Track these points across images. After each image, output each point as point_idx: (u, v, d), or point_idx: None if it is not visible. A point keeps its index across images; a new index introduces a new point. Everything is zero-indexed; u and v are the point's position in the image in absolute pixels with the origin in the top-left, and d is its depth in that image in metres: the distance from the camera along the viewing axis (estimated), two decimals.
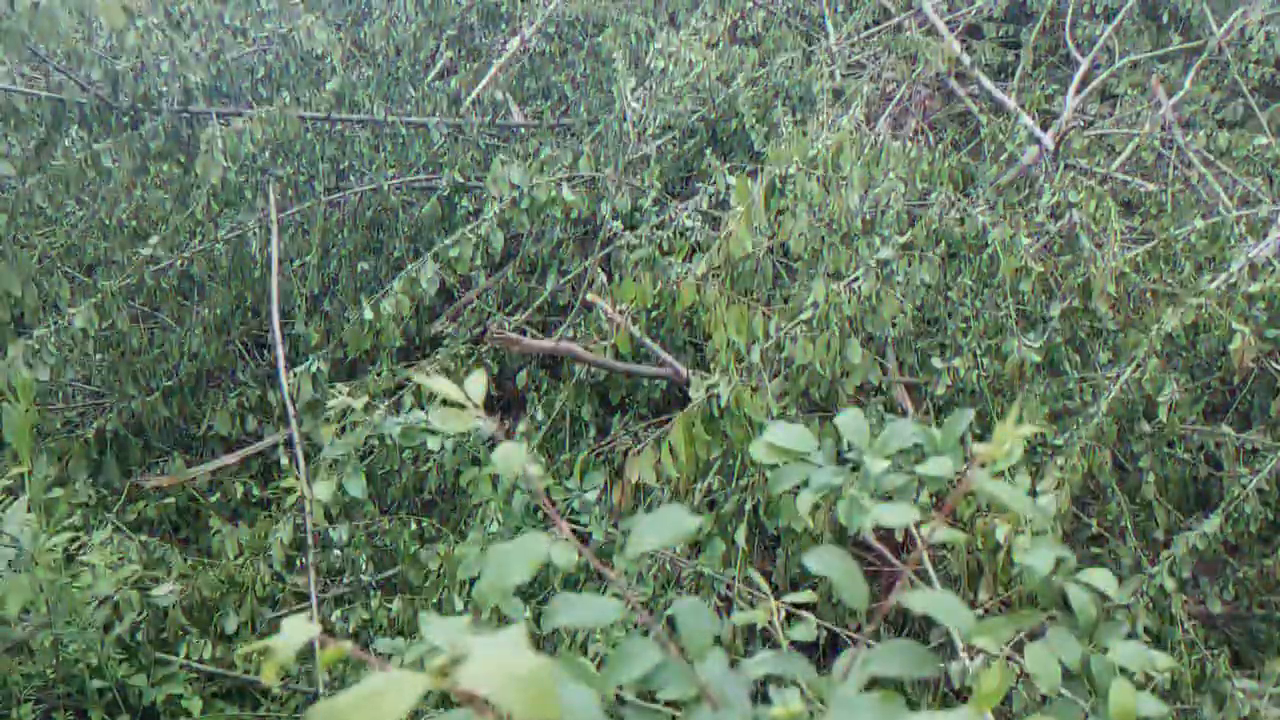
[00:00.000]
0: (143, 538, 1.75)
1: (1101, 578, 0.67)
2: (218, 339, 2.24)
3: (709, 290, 1.35)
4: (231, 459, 2.01)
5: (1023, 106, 2.04)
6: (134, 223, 2.23)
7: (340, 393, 1.28)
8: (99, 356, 2.22)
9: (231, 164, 1.88)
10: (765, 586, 0.78)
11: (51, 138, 2.02)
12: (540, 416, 1.76)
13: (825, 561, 0.51)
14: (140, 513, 1.95)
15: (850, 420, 0.66)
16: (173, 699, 1.46)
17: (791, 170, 1.44)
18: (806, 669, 0.48)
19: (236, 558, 1.62)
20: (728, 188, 1.66)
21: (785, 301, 1.49)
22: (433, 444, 1.12)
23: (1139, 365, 1.42)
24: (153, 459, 2.12)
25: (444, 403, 0.51)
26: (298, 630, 0.39)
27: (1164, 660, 0.66)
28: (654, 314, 1.61)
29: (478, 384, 0.51)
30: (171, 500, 1.99)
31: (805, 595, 0.68)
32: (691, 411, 1.25)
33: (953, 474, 0.62)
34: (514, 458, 0.50)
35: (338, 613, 1.52)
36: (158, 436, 2.16)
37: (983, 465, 0.54)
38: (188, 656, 1.48)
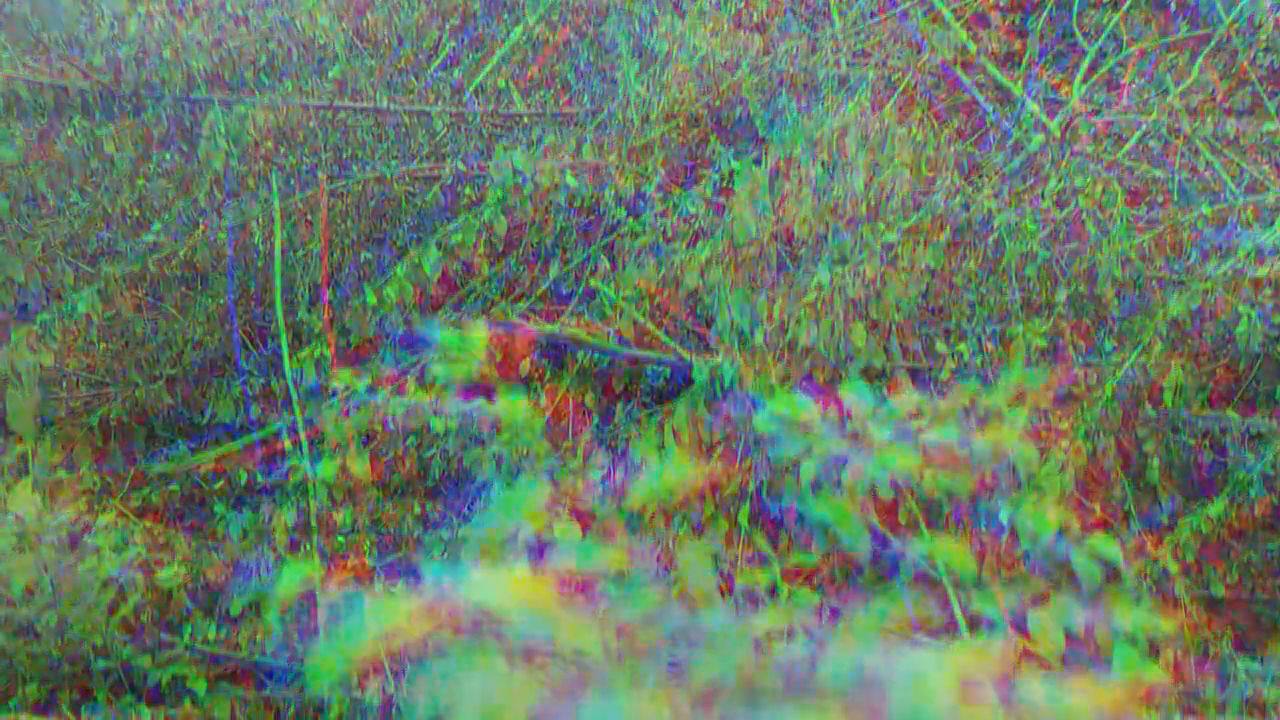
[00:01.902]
0: (147, 523, 1.75)
1: (1106, 545, 0.67)
2: (221, 328, 2.24)
3: (713, 273, 1.34)
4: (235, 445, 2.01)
5: (1029, 95, 2.03)
6: (137, 212, 2.23)
7: (344, 377, 1.28)
8: (103, 345, 2.22)
9: (234, 149, 1.88)
10: (769, 551, 0.78)
11: (54, 125, 2.02)
12: (543, 403, 1.76)
13: (828, 507, 0.51)
14: (145, 499, 1.96)
15: (854, 391, 0.66)
16: (178, 680, 1.47)
17: (796, 152, 1.43)
18: (807, 617, 0.48)
19: (241, 541, 1.62)
20: (731, 173, 1.65)
21: (790, 287, 1.49)
22: (436, 425, 1.12)
23: (1145, 350, 1.41)
24: (157, 447, 2.12)
25: (446, 352, 0.51)
26: (297, 570, 0.39)
27: (1169, 625, 0.65)
28: (657, 300, 1.61)
29: (479, 333, 0.51)
30: (176, 487, 2.00)
31: (808, 558, 0.68)
32: (695, 393, 1.24)
33: (954, 440, 0.62)
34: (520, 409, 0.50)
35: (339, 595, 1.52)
36: (162, 424, 2.16)
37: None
38: (192, 638, 1.48)
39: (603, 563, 0.45)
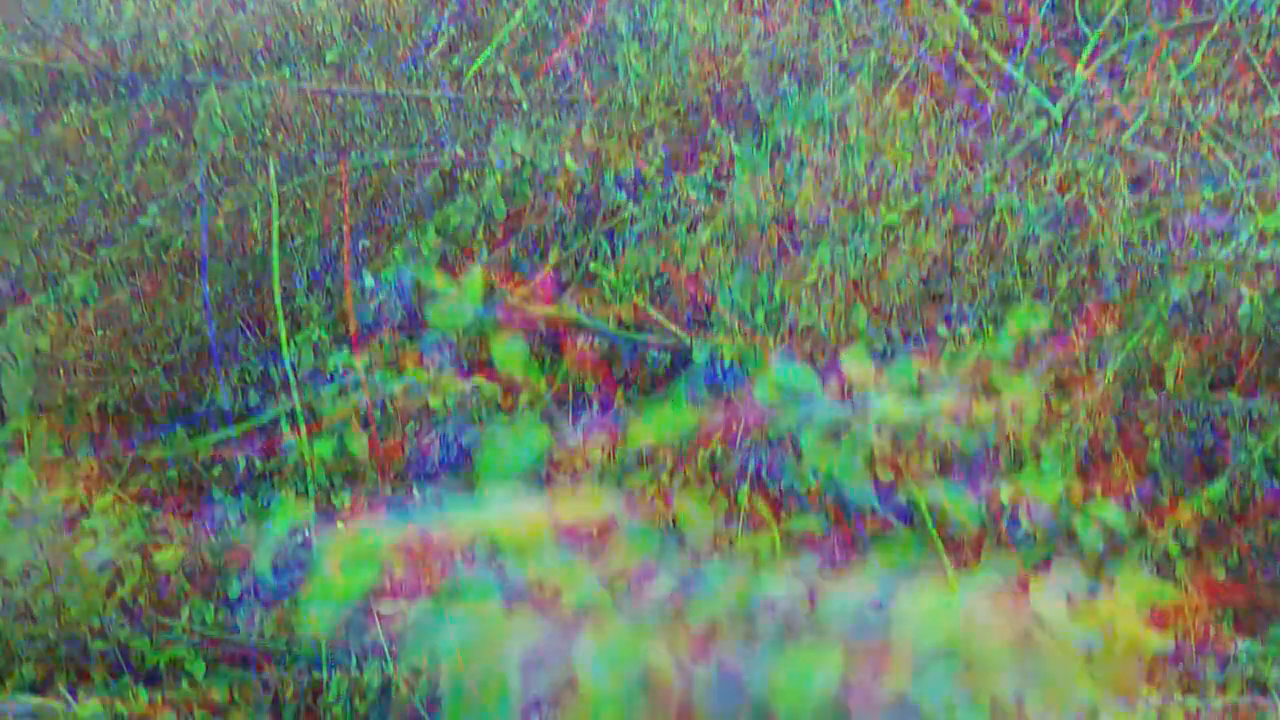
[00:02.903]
0: (145, 508, 1.75)
1: (1109, 512, 0.66)
2: (219, 315, 2.23)
3: (713, 254, 1.34)
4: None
5: (1031, 81, 2.02)
6: (133, 199, 2.21)
7: (341, 358, 1.27)
8: (100, 333, 2.21)
9: (230, 131, 1.86)
10: (768, 514, 0.77)
11: (49, 109, 2.00)
12: (543, 389, 1.75)
13: (830, 457, 0.51)
14: (143, 485, 1.95)
15: (854, 358, 0.66)
16: (176, 662, 1.46)
17: (798, 133, 1.43)
18: (808, 563, 0.47)
19: (239, 525, 1.61)
20: (732, 157, 1.64)
21: (791, 269, 1.48)
22: (434, 402, 1.11)
23: (1146, 333, 1.41)
24: (155, 433, 2.11)
25: (439, 295, 0.50)
26: (288, 509, 0.38)
27: (1172, 592, 0.65)
28: (657, 283, 1.60)
29: (474, 278, 0.51)
30: (174, 473, 1.99)
31: (810, 521, 0.68)
32: (695, 373, 1.24)
33: (955, 407, 0.61)
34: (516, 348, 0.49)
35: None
36: (160, 410, 2.15)
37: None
38: (190, 620, 1.48)
39: (600, 509, 0.45)
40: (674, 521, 0.47)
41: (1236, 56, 2.15)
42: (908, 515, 1.18)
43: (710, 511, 0.47)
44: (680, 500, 0.46)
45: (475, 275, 0.46)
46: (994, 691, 0.47)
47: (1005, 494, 1.10)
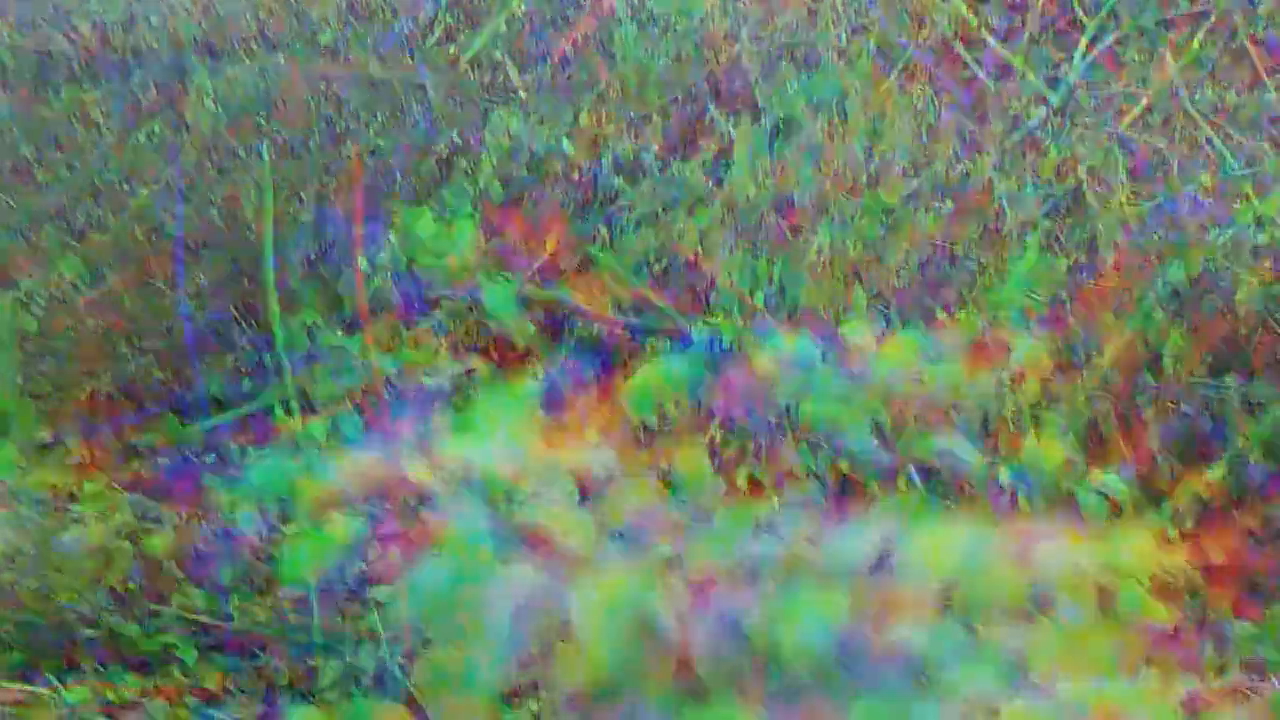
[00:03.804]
0: (137, 495, 1.72)
1: (1111, 481, 0.66)
2: (212, 302, 2.20)
3: (712, 236, 1.33)
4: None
5: (1030, 69, 2.03)
6: (126, 186, 2.19)
7: (333, 339, 1.26)
8: (92, 320, 2.19)
9: (222, 113, 1.84)
10: (770, 485, 0.76)
11: (39, 92, 1.98)
12: (541, 375, 1.74)
13: (831, 407, 0.50)
14: (135, 472, 1.93)
15: (855, 329, 0.65)
16: (167, 649, 1.44)
17: (797, 113, 1.42)
18: (807, 517, 0.47)
19: (230, 509, 1.59)
20: (730, 142, 1.64)
21: (789, 251, 1.48)
22: (429, 381, 1.10)
23: (1144, 318, 1.41)
24: (147, 421, 2.09)
25: (426, 244, 0.49)
26: (266, 461, 0.37)
27: (1174, 559, 0.65)
28: (656, 268, 1.59)
29: (465, 230, 0.49)
30: (166, 460, 1.96)
31: (809, 486, 0.67)
32: (694, 354, 1.23)
33: (959, 379, 0.61)
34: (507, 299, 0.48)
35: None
36: (151, 399, 2.13)
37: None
38: (181, 607, 1.46)
39: (596, 457, 0.44)
40: (672, 473, 0.46)
41: (1234, 46, 2.16)
42: (911, 471, 1.18)
43: (707, 458, 0.46)
44: (679, 452, 0.45)
45: (465, 221, 0.45)
46: (1003, 633, 0.46)
47: (1004, 483, 1.10)
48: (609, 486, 0.45)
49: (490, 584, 0.33)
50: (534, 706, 1.08)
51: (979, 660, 0.43)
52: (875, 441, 0.50)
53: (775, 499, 0.70)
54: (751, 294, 1.29)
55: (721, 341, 1.22)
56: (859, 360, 0.66)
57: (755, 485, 1.07)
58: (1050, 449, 0.65)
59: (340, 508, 0.37)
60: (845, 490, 1.13)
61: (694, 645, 0.38)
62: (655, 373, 0.50)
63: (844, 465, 1.04)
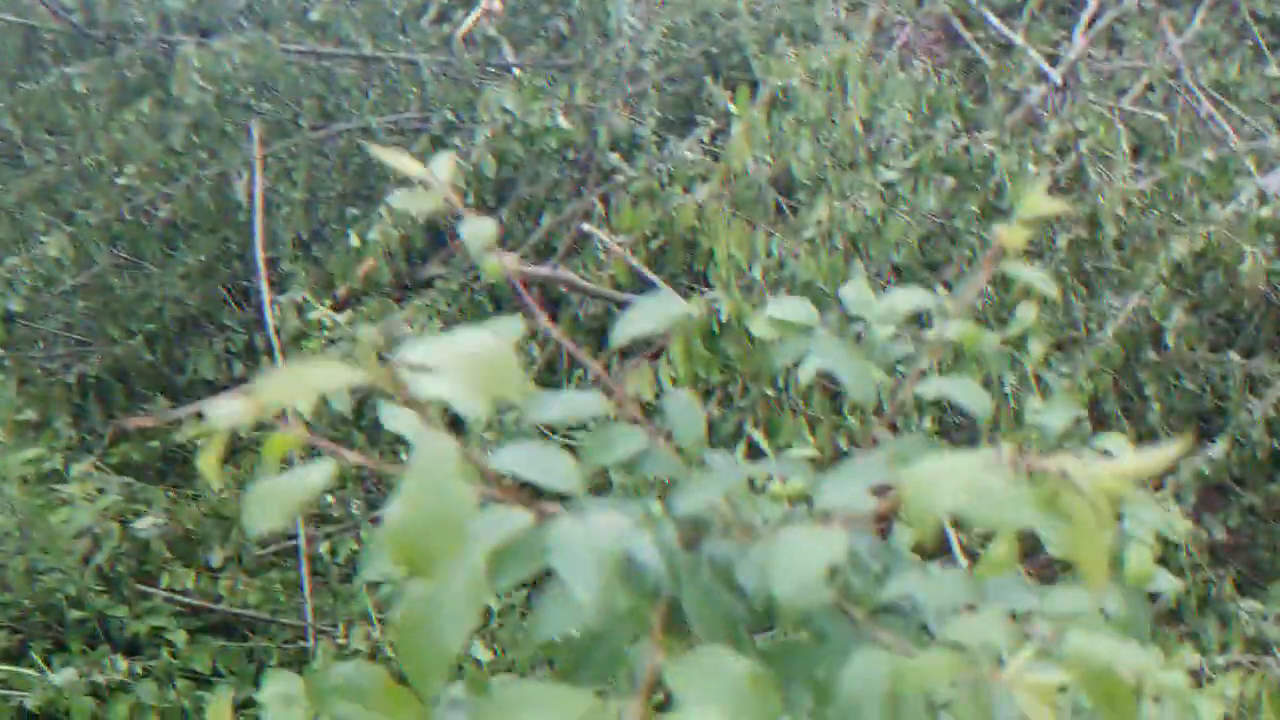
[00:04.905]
0: (126, 479, 1.70)
1: (1118, 443, 0.64)
2: (202, 284, 2.18)
3: (710, 207, 1.31)
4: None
5: (1030, 45, 2.00)
6: (114, 167, 2.16)
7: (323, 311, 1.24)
8: (81, 304, 2.17)
9: (210, 87, 1.81)
10: (766, 445, 0.75)
11: (22, 69, 1.94)
12: (536, 354, 1.72)
13: (829, 350, 0.48)
14: (124, 456, 1.91)
15: (854, 290, 0.63)
16: (156, 631, 1.42)
17: (795, 83, 1.40)
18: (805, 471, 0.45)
19: (220, 492, 1.57)
20: (728, 115, 1.61)
21: (788, 224, 1.46)
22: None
23: (1146, 293, 1.40)
24: (136, 404, 2.07)
25: (407, 183, 0.47)
26: (231, 406, 0.35)
27: (1183, 525, 0.63)
28: (653, 244, 1.57)
29: (445, 165, 0.47)
30: (156, 444, 1.94)
31: (808, 450, 0.66)
32: (690, 327, 1.21)
33: (964, 338, 0.59)
34: (486, 232, 0.46)
35: (326, 545, 1.48)
36: (141, 382, 2.11)
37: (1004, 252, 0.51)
38: (170, 589, 1.44)
39: (582, 400, 0.42)
40: (666, 418, 0.44)
41: (1235, 23, 2.14)
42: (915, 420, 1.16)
43: (700, 405, 0.44)
44: (669, 396, 0.43)
45: (446, 160, 0.43)
46: (1009, 583, 0.44)
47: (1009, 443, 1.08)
48: (597, 430, 0.43)
49: (466, 524, 0.31)
50: (511, 656, 1.06)
51: (984, 611, 0.41)
52: (878, 395, 0.48)
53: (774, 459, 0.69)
54: (749, 268, 1.27)
55: (719, 315, 1.20)
56: (860, 321, 0.63)
57: (754, 452, 1.05)
58: (1056, 410, 0.63)
59: (307, 450, 0.34)
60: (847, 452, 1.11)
61: (682, 589, 0.36)
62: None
63: (847, 420, 1.02)
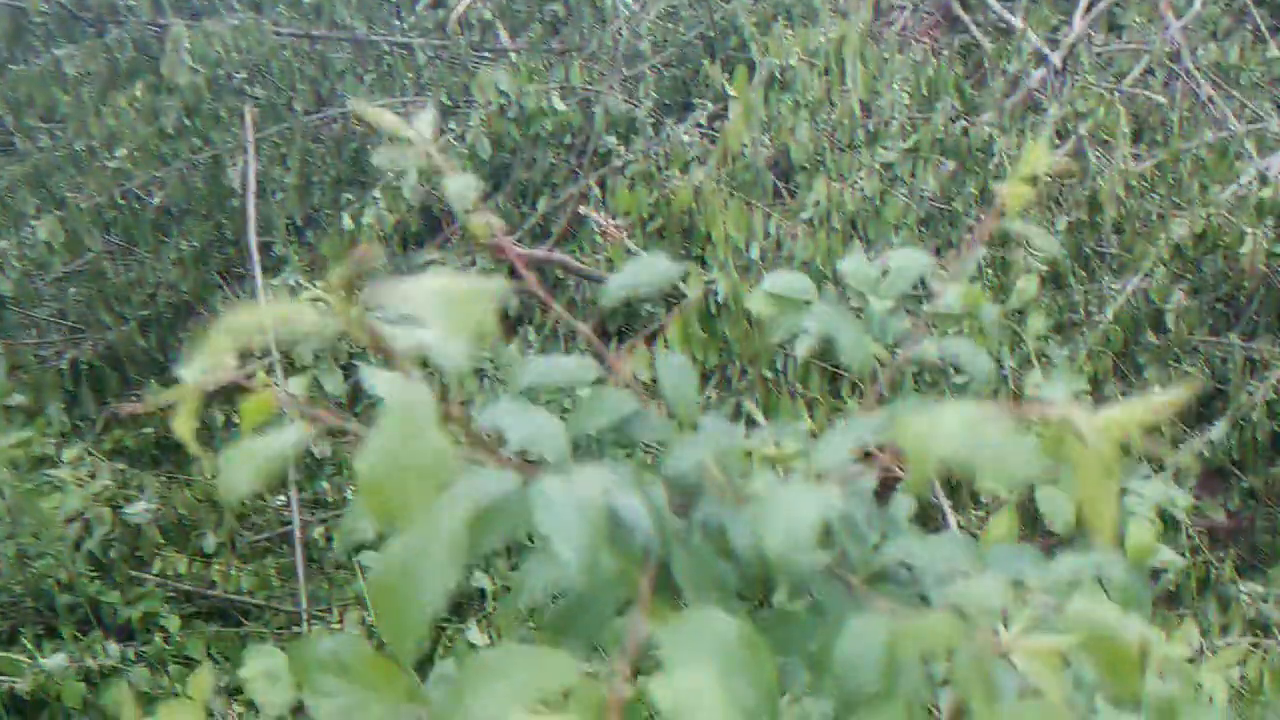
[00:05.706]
0: (119, 465, 1.69)
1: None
2: (196, 269, 2.17)
3: (707, 189, 1.29)
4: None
5: (1029, 28, 1.99)
6: (106, 151, 2.14)
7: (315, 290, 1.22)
8: (74, 290, 2.15)
9: (202, 69, 1.79)
10: (760, 418, 0.74)
11: (12, 52, 1.92)
12: (533, 337, 1.71)
13: (827, 319, 0.47)
14: (118, 442, 1.89)
15: (853, 264, 0.61)
16: (149, 617, 1.41)
17: (793, 62, 1.38)
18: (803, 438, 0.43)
19: (214, 477, 1.56)
20: (725, 99, 1.59)
21: (785, 204, 1.44)
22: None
23: (1147, 275, 1.39)
24: (129, 390, 2.05)
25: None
26: (197, 361, 0.34)
27: (1184, 499, 0.62)
28: (650, 228, 1.55)
29: (427, 122, 0.46)
30: (150, 430, 1.93)
31: (806, 426, 0.64)
32: (688, 308, 1.20)
33: (964, 310, 0.57)
34: (470, 191, 0.45)
35: (319, 530, 1.47)
36: (134, 368, 2.09)
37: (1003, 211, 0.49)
38: (163, 574, 1.43)
39: (572, 362, 0.40)
40: (654, 383, 0.43)
41: (1235, 6, 2.12)
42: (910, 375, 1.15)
43: (694, 370, 0.43)
44: (661, 361, 0.42)
45: (428, 116, 0.42)
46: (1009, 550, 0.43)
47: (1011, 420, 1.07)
48: (586, 395, 0.41)
49: (444, 469, 0.29)
50: (493, 618, 1.05)
51: (983, 574, 0.40)
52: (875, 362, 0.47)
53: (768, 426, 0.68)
54: (746, 249, 1.26)
55: (717, 296, 1.18)
56: (858, 295, 0.62)
57: (749, 424, 1.04)
58: (1057, 384, 0.62)
59: (283, 415, 0.33)
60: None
61: (671, 552, 0.35)
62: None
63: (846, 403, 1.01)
